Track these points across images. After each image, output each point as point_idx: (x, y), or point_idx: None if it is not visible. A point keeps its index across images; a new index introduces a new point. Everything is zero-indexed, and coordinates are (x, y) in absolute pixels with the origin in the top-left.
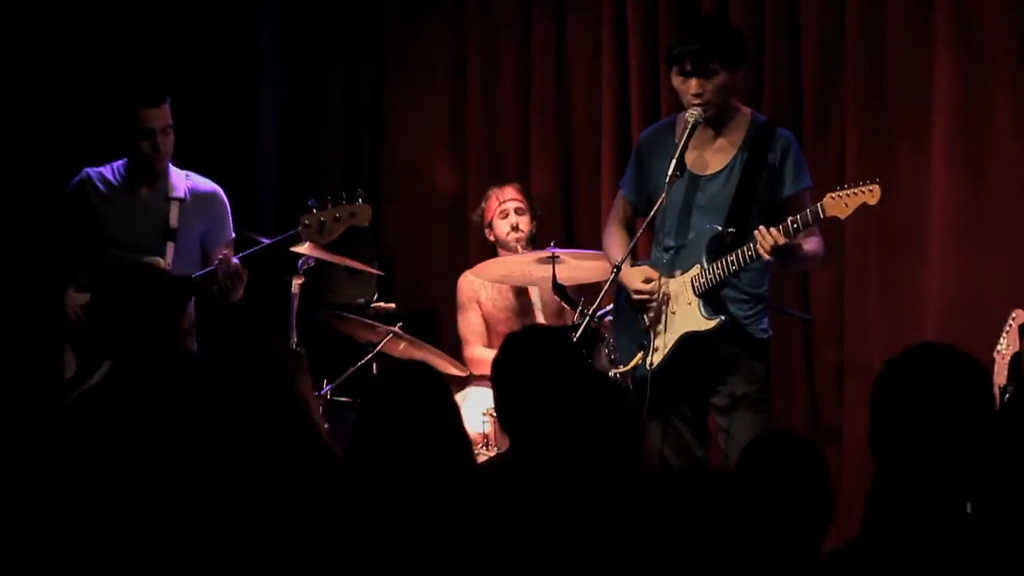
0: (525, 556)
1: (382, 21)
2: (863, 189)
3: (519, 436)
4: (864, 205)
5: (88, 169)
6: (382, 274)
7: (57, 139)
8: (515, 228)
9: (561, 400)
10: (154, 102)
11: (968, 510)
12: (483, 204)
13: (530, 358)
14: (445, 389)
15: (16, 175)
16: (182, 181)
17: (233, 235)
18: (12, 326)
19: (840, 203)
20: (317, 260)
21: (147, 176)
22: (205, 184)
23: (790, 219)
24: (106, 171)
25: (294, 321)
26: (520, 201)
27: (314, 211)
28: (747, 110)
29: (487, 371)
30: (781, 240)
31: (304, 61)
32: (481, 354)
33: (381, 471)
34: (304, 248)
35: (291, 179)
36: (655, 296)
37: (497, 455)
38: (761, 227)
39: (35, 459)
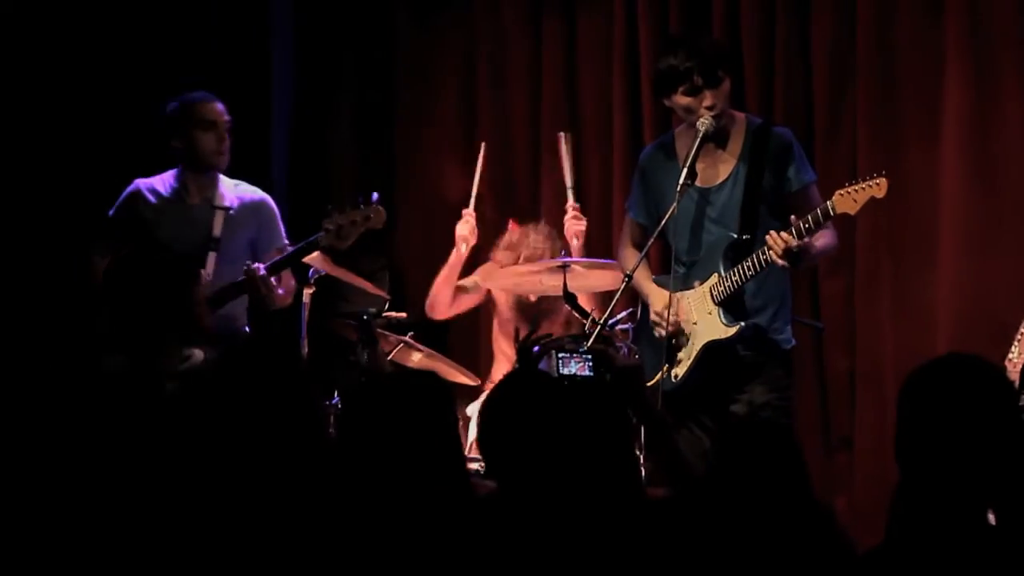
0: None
1: (393, 25)
2: (870, 183)
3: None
4: (872, 199)
5: (138, 181)
6: (389, 297)
7: (64, 142)
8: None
9: (551, 452)
10: (211, 98)
11: (991, 519)
12: (515, 238)
13: (514, 412)
14: (447, 405)
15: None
16: (231, 191)
17: (285, 241)
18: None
19: (849, 199)
20: None
21: (204, 178)
22: (252, 193)
23: (801, 221)
24: (156, 182)
25: (305, 330)
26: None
27: (334, 215)
28: (741, 115)
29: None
30: (793, 243)
31: (315, 66)
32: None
33: (368, 479)
34: (314, 260)
35: (301, 184)
36: (673, 322)
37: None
38: (772, 232)
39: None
